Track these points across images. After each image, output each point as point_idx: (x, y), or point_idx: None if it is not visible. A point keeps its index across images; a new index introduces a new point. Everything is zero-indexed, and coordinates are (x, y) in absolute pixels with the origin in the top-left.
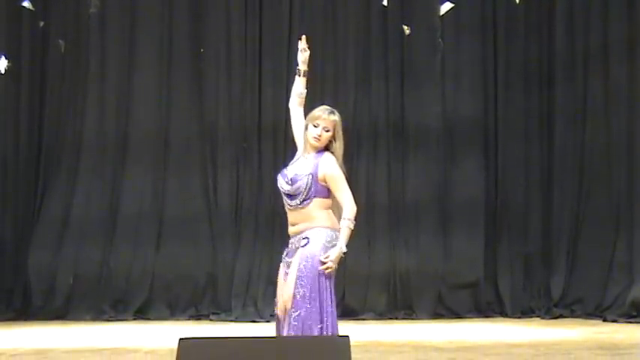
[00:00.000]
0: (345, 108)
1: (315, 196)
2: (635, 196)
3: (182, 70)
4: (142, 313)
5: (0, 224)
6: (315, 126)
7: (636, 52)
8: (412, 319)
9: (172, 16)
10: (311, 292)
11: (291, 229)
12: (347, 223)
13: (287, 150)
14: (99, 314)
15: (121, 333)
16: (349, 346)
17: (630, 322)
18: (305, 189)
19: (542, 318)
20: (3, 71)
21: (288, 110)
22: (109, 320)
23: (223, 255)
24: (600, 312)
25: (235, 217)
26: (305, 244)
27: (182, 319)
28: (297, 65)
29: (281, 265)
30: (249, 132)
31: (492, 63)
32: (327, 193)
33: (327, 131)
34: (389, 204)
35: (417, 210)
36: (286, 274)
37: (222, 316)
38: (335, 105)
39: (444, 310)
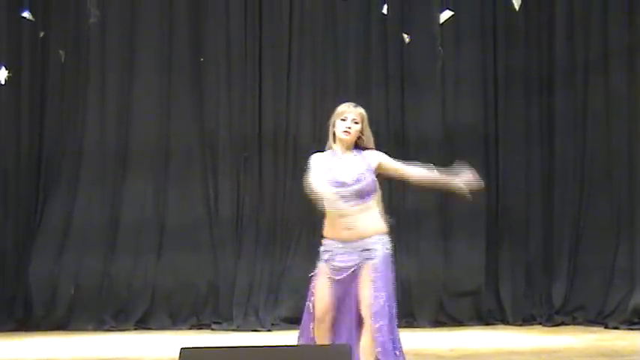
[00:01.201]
0: None
1: (373, 193)
2: (635, 203)
3: (182, 79)
4: (143, 323)
5: (1, 234)
6: (343, 120)
7: (636, 59)
8: (413, 327)
9: (172, 25)
10: (388, 304)
11: (344, 234)
12: (435, 174)
13: (287, 158)
14: (100, 324)
15: (122, 343)
16: (350, 355)
17: (632, 329)
18: (367, 187)
19: (544, 325)
20: (3, 82)
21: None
22: (110, 330)
23: (224, 264)
24: (602, 319)
25: (236, 226)
26: (372, 257)
27: (183, 329)
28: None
29: (321, 266)
30: (249, 141)
31: (492, 70)
32: (376, 188)
33: (356, 123)
34: (390, 211)
35: (417, 217)
36: (331, 279)
37: (224, 325)
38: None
39: (445, 317)
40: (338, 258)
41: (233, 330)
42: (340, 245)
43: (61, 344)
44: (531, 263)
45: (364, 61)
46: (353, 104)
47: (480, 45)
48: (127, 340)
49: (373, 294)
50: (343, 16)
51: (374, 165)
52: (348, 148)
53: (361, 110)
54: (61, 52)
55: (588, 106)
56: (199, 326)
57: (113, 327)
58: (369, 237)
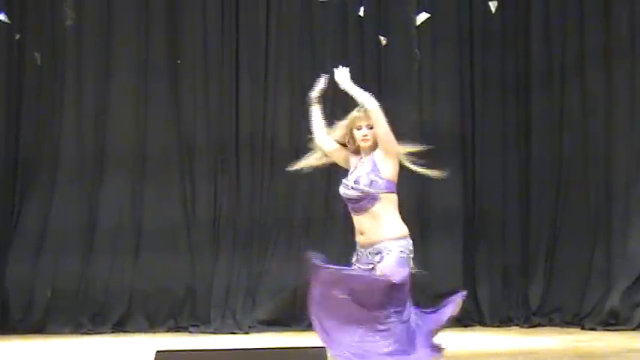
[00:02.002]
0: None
1: (380, 195)
2: (612, 204)
3: (159, 81)
4: (120, 326)
5: None
6: (358, 129)
7: (612, 60)
8: None
9: (149, 28)
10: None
11: (360, 238)
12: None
13: (264, 160)
14: (77, 327)
15: (99, 346)
16: (326, 357)
17: (608, 330)
18: (368, 187)
19: (521, 327)
20: None
21: (266, 120)
22: (87, 333)
23: (202, 266)
24: (578, 320)
25: (213, 228)
26: (379, 260)
27: (161, 332)
28: (314, 93)
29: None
30: (226, 143)
31: (469, 72)
32: (393, 187)
33: (371, 128)
34: None
35: None
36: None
37: (201, 328)
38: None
39: None
40: (362, 260)
41: (210, 333)
42: (361, 249)
43: (38, 347)
44: (508, 265)
45: (341, 64)
46: (361, 108)
47: (456, 47)
48: (104, 343)
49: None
50: (320, 19)
51: (381, 161)
52: (369, 150)
53: (367, 112)
54: (37, 54)
55: (564, 107)
56: (177, 329)
57: (90, 330)
58: (381, 242)
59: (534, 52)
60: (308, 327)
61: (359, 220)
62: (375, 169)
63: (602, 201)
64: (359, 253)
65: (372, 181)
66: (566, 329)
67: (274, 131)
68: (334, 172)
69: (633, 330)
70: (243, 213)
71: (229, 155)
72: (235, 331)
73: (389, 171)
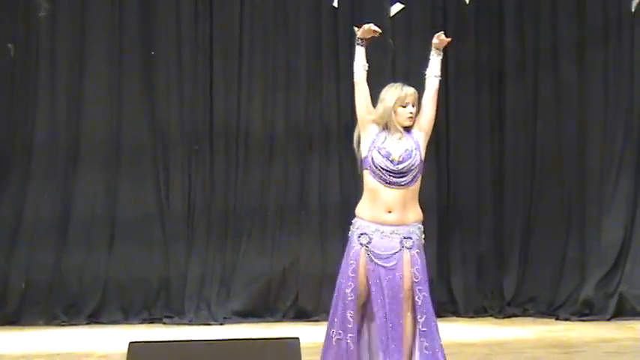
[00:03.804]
0: (297, 110)
1: (420, 175)
2: (586, 195)
3: (133, 72)
4: (94, 318)
5: None
6: (404, 106)
7: (586, 51)
8: None
9: (122, 18)
10: (429, 295)
11: (387, 217)
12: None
13: (239, 151)
14: (51, 319)
15: (74, 337)
16: (299, 348)
17: (582, 320)
18: (416, 165)
19: (496, 317)
20: None
21: (240, 111)
22: (61, 325)
23: (176, 257)
24: (553, 310)
25: (187, 219)
26: (411, 246)
27: (135, 323)
28: (358, 35)
29: (359, 250)
30: (200, 133)
31: (443, 63)
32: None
33: (414, 105)
34: (341, 204)
35: None
36: (372, 263)
37: (176, 319)
38: (286, 107)
39: None
40: (376, 243)
41: (185, 324)
42: (380, 229)
43: (12, 339)
44: (482, 255)
45: (315, 54)
46: (407, 85)
47: (430, 38)
48: (79, 334)
49: (416, 289)
50: (294, 9)
51: (422, 143)
52: (399, 130)
53: (415, 91)
54: (10, 45)
55: (538, 98)
56: (151, 320)
57: (64, 322)
58: (410, 224)
59: (508, 43)
60: (283, 318)
61: (391, 196)
62: (418, 148)
63: (576, 191)
64: (375, 232)
65: (421, 159)
66: (540, 319)
67: (248, 122)
68: (307, 166)
69: (607, 320)
70: (218, 203)
71: (203, 146)
72: (210, 323)
73: (424, 154)
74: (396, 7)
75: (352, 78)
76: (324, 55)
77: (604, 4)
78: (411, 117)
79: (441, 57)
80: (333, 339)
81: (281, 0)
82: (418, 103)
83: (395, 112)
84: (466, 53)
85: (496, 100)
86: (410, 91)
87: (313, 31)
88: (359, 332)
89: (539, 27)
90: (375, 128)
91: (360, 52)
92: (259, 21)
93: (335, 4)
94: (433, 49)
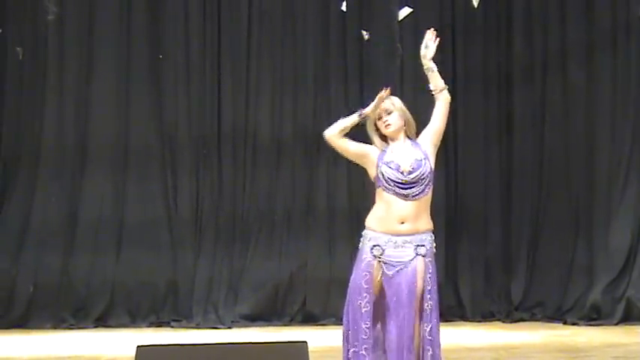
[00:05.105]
0: (304, 113)
1: (431, 184)
2: (594, 199)
3: (141, 76)
4: (102, 321)
5: None
6: (379, 118)
7: (594, 55)
8: None
9: (130, 22)
10: (437, 304)
11: (400, 228)
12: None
13: (247, 155)
14: (59, 322)
15: (81, 341)
16: (307, 352)
17: (590, 325)
18: (427, 175)
19: (503, 321)
20: None
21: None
22: (69, 328)
23: (184, 261)
24: (560, 315)
25: (195, 223)
26: (424, 254)
27: (143, 327)
28: (364, 109)
29: (371, 262)
30: (208, 138)
31: (451, 67)
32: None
33: (390, 113)
34: (349, 208)
35: None
36: (383, 275)
37: (183, 322)
38: (294, 110)
39: None
40: (390, 253)
41: (193, 327)
42: (392, 239)
43: (20, 342)
44: (490, 260)
45: (323, 58)
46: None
47: (438, 42)
48: (86, 338)
49: (427, 297)
50: (302, 13)
51: (429, 147)
52: (397, 137)
53: (392, 100)
54: (18, 49)
55: (546, 102)
56: (159, 324)
57: (72, 325)
58: (422, 232)
59: (516, 47)
60: (290, 322)
61: (405, 208)
62: (427, 158)
63: (584, 195)
64: (388, 242)
65: (431, 168)
66: (548, 324)
67: (256, 126)
68: (315, 169)
69: (615, 325)
70: (225, 207)
71: (211, 150)
72: (217, 326)
73: (434, 164)
74: (405, 11)
75: (358, 80)
76: (332, 59)
77: (612, 8)
78: (388, 124)
79: (436, 68)
80: (350, 352)
81: (289, 4)
82: (399, 109)
83: (377, 126)
84: (474, 57)
85: (504, 103)
86: (384, 104)
87: (321, 35)
88: (375, 343)
89: (548, 31)
90: (375, 151)
91: (352, 121)
92: (267, 25)
93: (343, 7)
94: (425, 63)
